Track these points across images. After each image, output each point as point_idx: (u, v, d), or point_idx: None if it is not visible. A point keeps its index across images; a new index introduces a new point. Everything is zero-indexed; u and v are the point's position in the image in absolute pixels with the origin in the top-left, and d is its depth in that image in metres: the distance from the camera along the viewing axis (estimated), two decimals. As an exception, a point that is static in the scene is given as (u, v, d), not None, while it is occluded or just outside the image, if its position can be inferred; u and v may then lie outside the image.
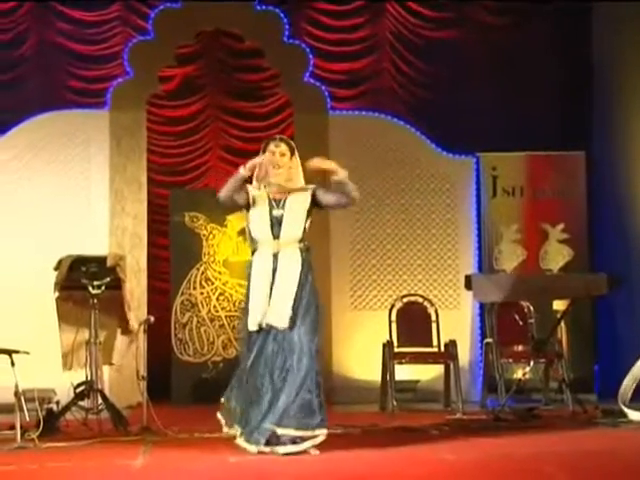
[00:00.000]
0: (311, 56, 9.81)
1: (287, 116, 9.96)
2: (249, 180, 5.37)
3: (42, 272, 7.46)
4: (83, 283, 6.76)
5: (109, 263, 6.90)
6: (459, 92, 9.75)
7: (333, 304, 9.29)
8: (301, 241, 5.27)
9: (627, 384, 6.95)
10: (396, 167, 9.67)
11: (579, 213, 9.59)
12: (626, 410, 6.82)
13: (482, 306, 8.96)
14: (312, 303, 5.15)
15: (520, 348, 8.30)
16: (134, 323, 7.01)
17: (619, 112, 9.50)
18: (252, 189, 5.39)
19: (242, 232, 9.47)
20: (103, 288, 6.80)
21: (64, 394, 6.87)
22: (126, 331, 7.05)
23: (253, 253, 5.38)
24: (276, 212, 5.26)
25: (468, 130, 9.58)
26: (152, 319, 6.89)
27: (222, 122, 10.09)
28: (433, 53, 10.00)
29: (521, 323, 8.21)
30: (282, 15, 9.77)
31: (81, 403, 6.73)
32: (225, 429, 5.38)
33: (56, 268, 6.89)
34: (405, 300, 8.82)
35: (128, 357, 7.13)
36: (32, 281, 8.47)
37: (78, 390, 6.72)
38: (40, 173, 9.24)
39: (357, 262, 9.55)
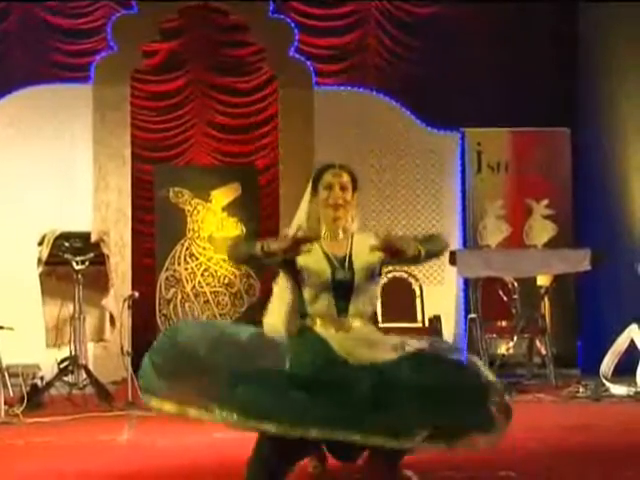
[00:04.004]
0: (296, 31, 9.75)
1: (272, 91, 9.91)
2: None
3: (25, 247, 7.44)
4: (67, 258, 6.75)
5: (93, 239, 6.90)
6: (444, 68, 9.71)
7: (318, 280, 9.29)
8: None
9: (609, 359, 7.01)
10: (381, 142, 9.66)
11: (563, 189, 9.60)
12: (608, 384, 6.88)
13: (466, 282, 8.99)
14: None
15: (504, 323, 8.33)
16: (115, 302, 7.00)
17: (604, 88, 9.51)
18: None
19: (226, 208, 9.47)
20: (87, 264, 6.79)
21: (48, 369, 6.88)
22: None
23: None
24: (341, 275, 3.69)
25: (453, 105, 9.55)
26: (136, 295, 6.89)
27: (206, 97, 10.03)
28: (418, 29, 9.96)
29: (505, 299, 8.23)
30: (267, -11, 9.71)
31: (65, 378, 6.74)
32: None
33: (40, 243, 6.87)
34: (389, 276, 8.83)
35: (113, 333, 7.14)
36: (15, 256, 8.42)
37: (62, 365, 6.72)
38: (23, 148, 9.18)
39: (342, 238, 9.55)
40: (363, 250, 3.66)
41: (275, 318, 3.76)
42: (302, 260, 3.61)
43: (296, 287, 3.69)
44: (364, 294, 3.66)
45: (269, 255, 3.56)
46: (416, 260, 3.70)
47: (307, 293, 3.65)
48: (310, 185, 3.81)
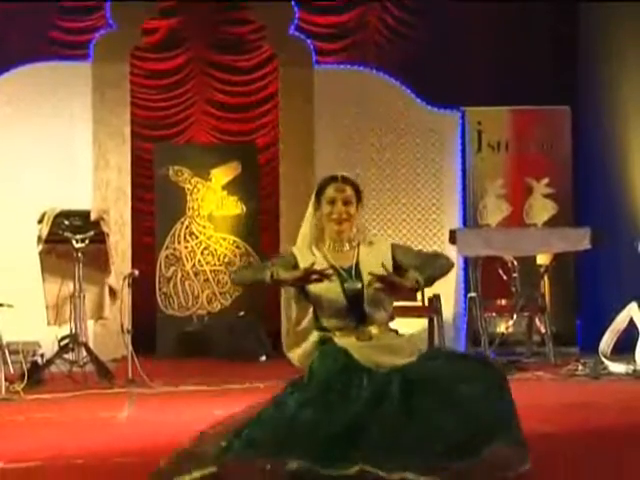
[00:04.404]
0: (296, 9, 9.70)
1: (272, 70, 9.88)
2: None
3: (25, 225, 7.44)
4: (67, 236, 6.74)
5: (93, 217, 6.90)
6: (445, 46, 9.67)
7: (318, 258, 9.30)
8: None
9: (608, 337, 7.02)
10: (381, 121, 9.63)
11: (564, 168, 9.59)
12: (607, 362, 6.90)
13: (466, 261, 8.98)
14: None
15: (503, 302, 8.34)
16: (116, 279, 7.00)
17: (604, 66, 9.47)
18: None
19: (226, 186, 9.47)
20: (87, 242, 6.79)
21: (49, 347, 6.89)
22: (109, 287, 7.06)
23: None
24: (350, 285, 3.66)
25: (453, 84, 9.53)
26: (136, 273, 6.89)
27: (206, 75, 10.01)
28: (419, 6, 9.91)
29: (505, 277, 8.24)
30: (267, -34, 9.65)
31: (66, 356, 6.75)
32: None
33: (39, 221, 6.87)
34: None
35: (113, 311, 7.15)
36: (15, 234, 8.42)
37: (62, 343, 6.74)
38: (22, 126, 9.15)
39: (341, 217, 9.54)
40: (370, 262, 3.64)
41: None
42: (313, 288, 3.60)
43: (308, 304, 3.67)
44: (377, 301, 3.62)
45: (278, 283, 3.59)
46: (415, 290, 3.73)
47: (320, 312, 3.65)
48: (313, 198, 3.76)
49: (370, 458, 3.08)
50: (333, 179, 3.73)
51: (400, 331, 3.75)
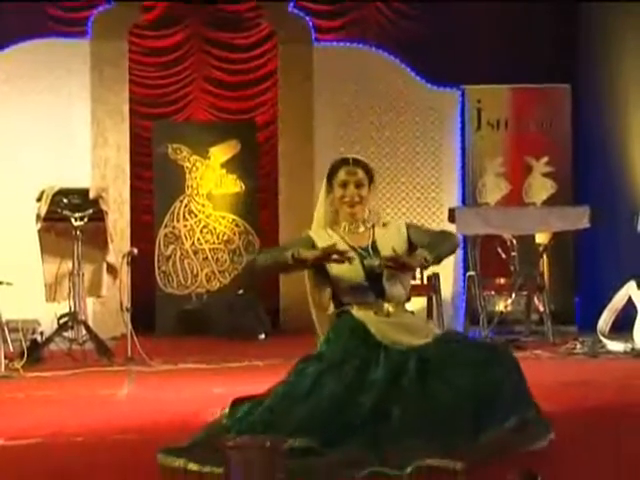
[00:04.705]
0: (295, -14, 9.67)
1: (271, 47, 9.84)
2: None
3: (24, 203, 7.43)
4: (65, 215, 6.74)
5: (92, 195, 6.89)
6: (445, 24, 9.63)
7: (317, 237, 9.29)
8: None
9: (606, 316, 7.03)
10: (380, 99, 9.61)
11: (563, 146, 9.57)
12: (605, 341, 6.92)
13: (465, 239, 8.97)
14: None
15: (502, 281, 8.34)
16: (115, 257, 7.01)
17: (604, 44, 9.44)
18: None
19: (225, 165, 9.45)
20: (86, 220, 6.78)
21: (48, 325, 6.91)
22: (108, 265, 7.06)
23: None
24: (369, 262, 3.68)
25: (453, 62, 9.49)
26: (135, 251, 6.89)
27: (205, 53, 9.96)
28: (419, -16, 9.87)
29: (504, 256, 8.24)
30: (266, -57, 9.60)
31: (65, 334, 6.76)
32: None
33: (38, 199, 6.86)
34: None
35: (112, 289, 7.16)
36: (14, 212, 8.41)
37: (62, 321, 6.74)
38: (20, 104, 9.11)
39: (341, 195, 9.52)
40: (387, 241, 3.70)
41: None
42: (334, 269, 3.62)
43: (327, 281, 3.69)
44: (395, 278, 3.66)
45: (299, 262, 3.59)
46: (424, 268, 3.86)
47: (339, 290, 3.68)
48: (325, 181, 3.80)
49: (384, 456, 3.08)
50: (344, 162, 3.76)
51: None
